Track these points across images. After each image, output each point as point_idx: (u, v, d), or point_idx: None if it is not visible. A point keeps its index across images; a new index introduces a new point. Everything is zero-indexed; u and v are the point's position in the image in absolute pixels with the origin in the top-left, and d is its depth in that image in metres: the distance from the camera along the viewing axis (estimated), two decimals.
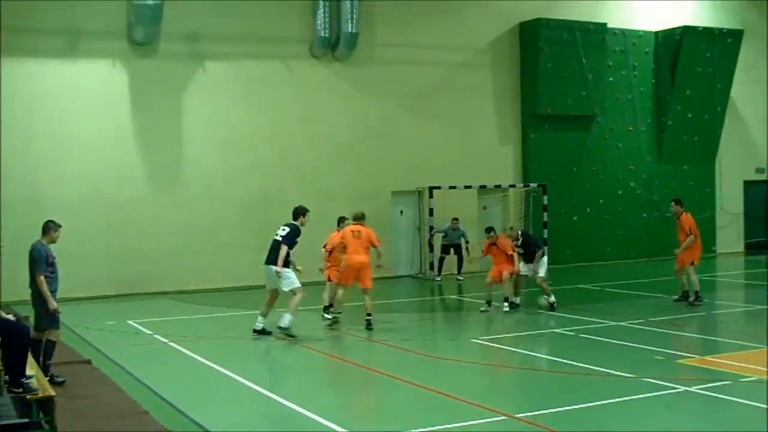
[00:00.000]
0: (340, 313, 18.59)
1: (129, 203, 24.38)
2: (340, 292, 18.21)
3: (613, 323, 17.97)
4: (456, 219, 26.31)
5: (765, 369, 13.31)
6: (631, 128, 31.75)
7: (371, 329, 17.71)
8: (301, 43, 26.58)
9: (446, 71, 28.81)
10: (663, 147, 32.29)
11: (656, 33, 32.31)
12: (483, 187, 28.59)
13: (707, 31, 32.36)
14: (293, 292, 16.91)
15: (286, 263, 16.97)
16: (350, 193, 26.69)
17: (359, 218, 18.71)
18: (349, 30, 26.46)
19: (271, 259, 17.05)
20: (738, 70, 33.15)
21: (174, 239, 24.85)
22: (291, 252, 17.09)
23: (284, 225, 17.55)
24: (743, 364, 13.84)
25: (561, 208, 29.46)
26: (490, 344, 16.27)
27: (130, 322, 19.23)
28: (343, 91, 27.21)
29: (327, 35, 26.44)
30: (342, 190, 26.64)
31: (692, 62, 32.02)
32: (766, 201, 35.57)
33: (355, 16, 26.43)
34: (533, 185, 29.19)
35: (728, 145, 33.71)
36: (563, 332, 17.25)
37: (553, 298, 19.91)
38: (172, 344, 16.61)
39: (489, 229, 20.84)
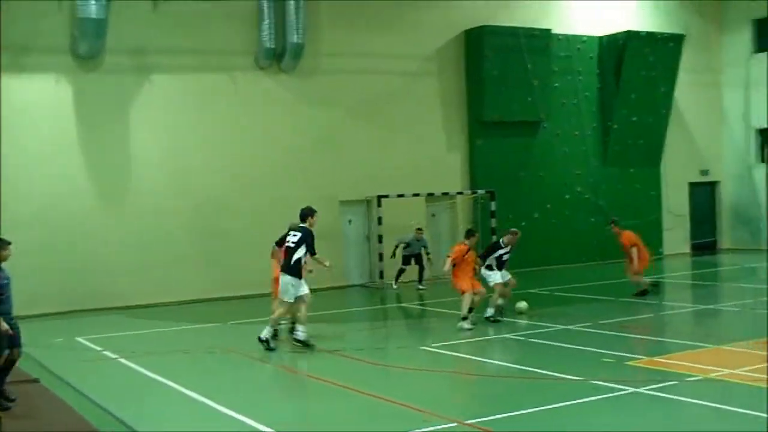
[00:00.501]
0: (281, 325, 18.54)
1: (76, 218, 24.09)
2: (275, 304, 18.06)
3: (563, 327, 18.10)
4: (420, 229, 26.20)
5: (711, 368, 13.49)
6: (577, 133, 32.03)
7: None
8: (246, 54, 26.50)
9: (392, 80, 28.86)
10: (609, 151, 32.60)
11: (600, 38, 32.62)
12: (431, 194, 28.69)
13: (650, 35, 32.74)
14: (303, 299, 16.68)
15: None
16: (298, 203, 26.11)
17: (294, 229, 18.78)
18: (295, 41, 26.41)
19: (292, 270, 16.58)
20: (681, 74, 33.58)
21: (122, 254, 24.60)
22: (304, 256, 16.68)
23: (293, 230, 17.01)
24: (691, 364, 14.03)
25: (509, 214, 29.59)
26: (441, 351, 16.31)
27: (79, 339, 19.03)
28: (289, 101, 27.18)
29: (272, 46, 26.38)
30: (290, 200, 26.37)
31: (636, 66, 32.37)
32: (710, 202, 36.04)
33: (300, 27, 26.40)
34: (481, 191, 29.33)
35: (673, 147, 34.10)
36: (514, 337, 17.36)
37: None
38: (121, 360, 16.46)
39: (470, 233, 19.77)
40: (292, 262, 16.54)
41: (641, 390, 12.38)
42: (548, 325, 18.43)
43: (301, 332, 16.75)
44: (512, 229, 20.59)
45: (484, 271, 19.57)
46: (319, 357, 16.42)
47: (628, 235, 22.39)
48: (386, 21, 28.55)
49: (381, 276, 27.17)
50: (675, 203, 34.66)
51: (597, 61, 32.59)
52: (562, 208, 31.52)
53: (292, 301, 16.62)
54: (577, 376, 13.48)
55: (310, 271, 17.15)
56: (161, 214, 25.17)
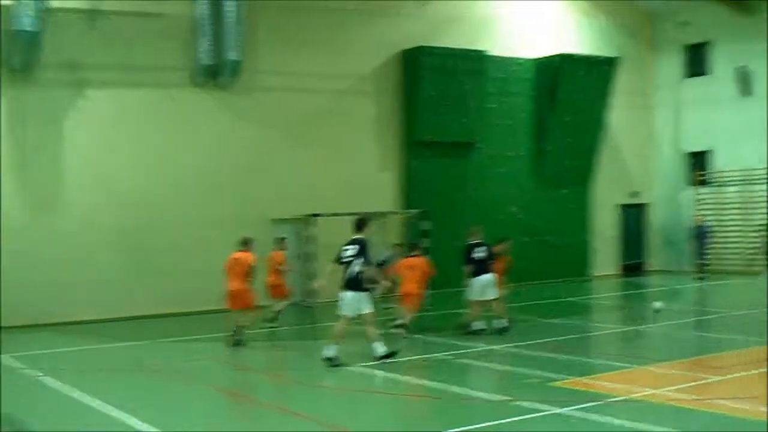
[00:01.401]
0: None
1: (6, 234, 23.83)
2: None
3: (490, 347, 18.26)
4: (399, 245, 25.87)
5: (635, 388, 13.71)
6: (511, 154, 32.37)
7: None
8: (183, 71, 26.43)
9: (329, 98, 28.97)
10: (542, 172, 32.98)
11: (536, 60, 33.02)
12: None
13: (584, 58, 33.20)
14: (369, 316, 16.51)
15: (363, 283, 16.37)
16: (232, 221, 26.55)
17: (242, 244, 19.42)
18: (232, 58, 26.42)
19: (351, 285, 16.18)
20: (614, 96, 34.08)
21: (52, 270, 24.25)
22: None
23: (349, 243, 16.41)
24: (614, 385, 14.24)
25: (442, 234, 29.76)
26: (368, 370, 16.33)
27: (4, 356, 18.83)
28: (225, 118, 27.15)
29: (209, 63, 26.37)
30: (224, 218, 26.52)
31: (571, 89, 32.78)
32: (639, 224, 36.56)
33: (237, 44, 26.41)
34: (414, 211, 29.49)
35: (604, 169, 34.60)
36: (442, 357, 17.45)
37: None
38: (47, 379, 16.30)
39: (414, 245, 21.14)
40: (354, 277, 16.19)
41: (564, 411, 12.51)
42: (474, 345, 18.55)
43: (380, 349, 16.62)
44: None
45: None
46: (246, 375, 16.42)
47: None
48: (323, 40, 28.66)
49: (310, 295, 27.14)
50: (605, 224, 35.12)
51: (532, 83, 32.98)
52: (495, 228, 31.66)
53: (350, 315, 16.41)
54: (500, 396, 13.63)
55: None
56: (92, 230, 24.98)
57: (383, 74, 30.06)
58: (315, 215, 27.46)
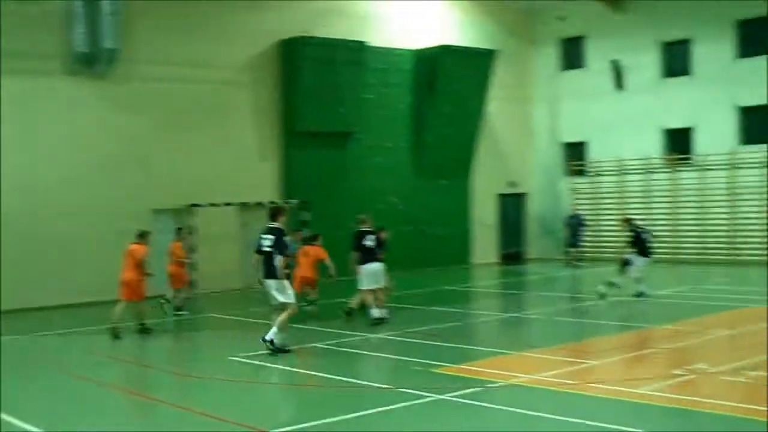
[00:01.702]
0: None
1: None
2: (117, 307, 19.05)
3: (372, 335, 18.28)
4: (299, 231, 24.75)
5: (514, 374, 13.89)
6: (390, 144, 32.48)
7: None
8: (58, 58, 25.72)
9: (208, 88, 28.61)
10: (421, 162, 33.19)
11: (415, 51, 33.18)
12: (244, 204, 28.57)
13: (463, 50, 33.49)
14: (288, 306, 16.37)
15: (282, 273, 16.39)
16: (110, 212, 26.16)
17: (138, 237, 19.80)
18: (109, 46, 25.87)
19: (270, 273, 16.21)
20: (492, 89, 34.48)
21: None
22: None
23: (265, 233, 16.46)
24: (495, 371, 14.37)
25: (323, 224, 29.70)
26: (249, 361, 16.19)
27: None
28: (102, 107, 26.56)
29: (85, 50, 25.75)
30: (102, 209, 26.05)
31: (449, 80, 33.03)
32: (518, 213, 37.12)
33: (114, 32, 25.85)
34: (294, 201, 29.38)
35: (483, 160, 34.99)
36: (323, 346, 17.38)
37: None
38: None
39: (314, 237, 22.16)
40: (275, 266, 16.20)
41: (446, 397, 12.60)
42: (357, 333, 18.57)
43: (273, 335, 16.39)
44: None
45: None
46: (124, 367, 16.14)
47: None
48: (201, 29, 28.30)
49: (193, 285, 26.87)
50: (484, 214, 35.54)
51: (411, 75, 33.13)
52: (375, 218, 31.72)
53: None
54: (384, 384, 13.66)
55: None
56: None
57: (262, 64, 29.82)
58: (194, 205, 27.11)
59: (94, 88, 26.44)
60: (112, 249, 26.01)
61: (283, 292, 16.37)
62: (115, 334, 19.02)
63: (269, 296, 16.58)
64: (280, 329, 16.36)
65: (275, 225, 16.51)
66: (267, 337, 16.27)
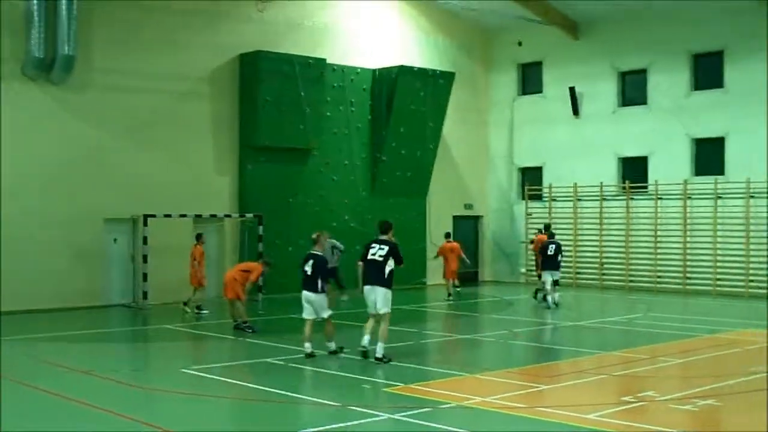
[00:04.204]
0: None
1: None
2: None
3: (324, 352, 18.17)
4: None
5: (465, 396, 13.86)
6: (346, 162, 32.46)
7: None
8: (13, 62, 25.50)
9: (166, 100, 28.48)
10: (377, 181, 33.19)
11: (374, 71, 33.23)
12: (199, 216, 28.40)
13: (422, 71, 33.58)
14: (385, 315, 17.20)
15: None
16: (63, 220, 25.96)
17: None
18: (66, 52, 25.63)
19: (380, 281, 17.06)
20: (450, 110, 34.59)
21: None
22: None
23: (377, 243, 17.35)
24: (446, 392, 14.33)
25: (277, 239, 29.64)
26: (200, 374, 16.08)
27: None
28: (57, 115, 26.31)
29: (41, 56, 25.49)
30: (54, 217, 25.83)
31: (407, 100, 33.11)
32: (473, 235, 37.18)
33: (72, 39, 25.65)
34: (249, 215, 29.24)
35: (439, 181, 35.04)
36: (274, 361, 17.28)
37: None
38: None
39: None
40: (385, 274, 17.07)
41: (396, 416, 12.56)
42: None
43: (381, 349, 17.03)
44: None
45: None
46: (73, 377, 15.92)
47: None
48: (161, 40, 28.18)
49: (145, 296, 26.69)
50: (439, 235, 35.49)
51: (370, 93, 33.16)
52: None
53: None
54: (335, 402, 13.57)
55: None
56: None
57: (221, 77, 29.74)
58: (148, 216, 26.89)
59: (50, 94, 26.25)
60: (63, 256, 25.91)
61: (387, 301, 17.18)
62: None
63: (370, 303, 17.31)
64: (384, 341, 17.10)
65: (385, 238, 17.47)
66: (378, 355, 16.92)
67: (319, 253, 18.24)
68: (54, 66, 25.86)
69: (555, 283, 26.88)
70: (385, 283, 17.13)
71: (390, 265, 17.09)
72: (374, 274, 17.17)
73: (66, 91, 26.47)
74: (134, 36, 27.65)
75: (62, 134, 26.37)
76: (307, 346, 17.58)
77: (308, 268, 17.93)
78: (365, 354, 17.07)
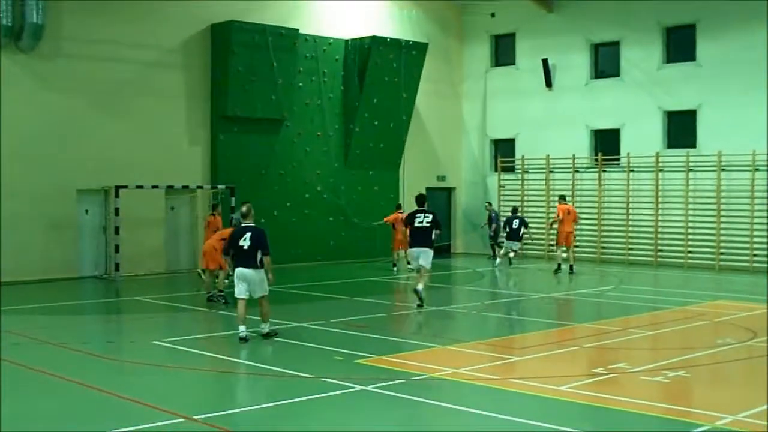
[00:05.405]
0: None
1: None
2: None
3: (297, 324, 18.19)
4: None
5: (437, 367, 13.91)
6: (319, 133, 32.35)
7: None
8: None
9: (137, 69, 28.24)
10: (350, 153, 33.10)
11: (346, 41, 33.08)
12: (171, 187, 28.27)
13: (394, 42, 33.44)
14: (427, 270, 20.88)
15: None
16: (33, 191, 25.78)
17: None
18: (34, 20, 25.37)
19: (426, 243, 20.56)
20: (423, 82, 34.52)
21: None
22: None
23: (421, 213, 20.77)
24: (418, 363, 14.40)
25: None
26: (173, 346, 16.07)
27: None
28: (26, 84, 26.05)
29: (9, 24, 25.20)
30: (24, 188, 25.64)
31: (380, 71, 32.99)
32: (447, 207, 37.21)
33: (40, 6, 25.37)
34: (221, 187, 29.15)
35: (412, 152, 35.00)
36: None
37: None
38: None
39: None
40: (431, 237, 20.72)
41: (368, 388, 12.60)
42: (283, 322, 18.36)
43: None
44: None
45: None
46: (44, 349, 15.87)
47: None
48: (132, 9, 27.89)
49: (117, 268, 26.60)
50: (412, 207, 35.21)
51: (342, 64, 33.02)
52: (302, 207, 31.75)
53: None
54: (307, 374, 13.59)
55: None
56: None
57: (193, 47, 29.52)
58: (120, 187, 26.75)
59: (19, 63, 25.94)
60: (35, 228, 25.76)
61: (428, 259, 20.63)
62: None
63: (413, 260, 21.33)
64: (426, 284, 20.90)
65: (424, 208, 20.97)
66: (419, 288, 20.43)
67: (255, 226, 16.90)
68: (23, 34, 25.56)
69: (514, 253, 31.48)
70: (431, 245, 20.61)
71: (434, 231, 20.59)
72: (422, 238, 20.58)
73: (35, 59, 26.18)
74: (105, 5, 27.37)
75: (32, 103, 26.10)
76: (242, 329, 16.40)
77: (245, 243, 16.47)
78: (420, 298, 20.48)
